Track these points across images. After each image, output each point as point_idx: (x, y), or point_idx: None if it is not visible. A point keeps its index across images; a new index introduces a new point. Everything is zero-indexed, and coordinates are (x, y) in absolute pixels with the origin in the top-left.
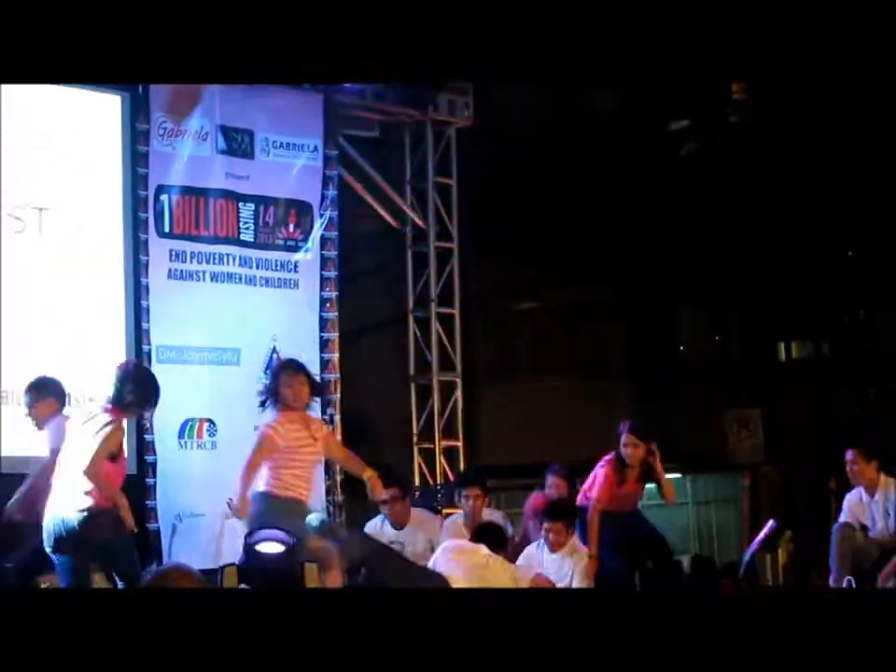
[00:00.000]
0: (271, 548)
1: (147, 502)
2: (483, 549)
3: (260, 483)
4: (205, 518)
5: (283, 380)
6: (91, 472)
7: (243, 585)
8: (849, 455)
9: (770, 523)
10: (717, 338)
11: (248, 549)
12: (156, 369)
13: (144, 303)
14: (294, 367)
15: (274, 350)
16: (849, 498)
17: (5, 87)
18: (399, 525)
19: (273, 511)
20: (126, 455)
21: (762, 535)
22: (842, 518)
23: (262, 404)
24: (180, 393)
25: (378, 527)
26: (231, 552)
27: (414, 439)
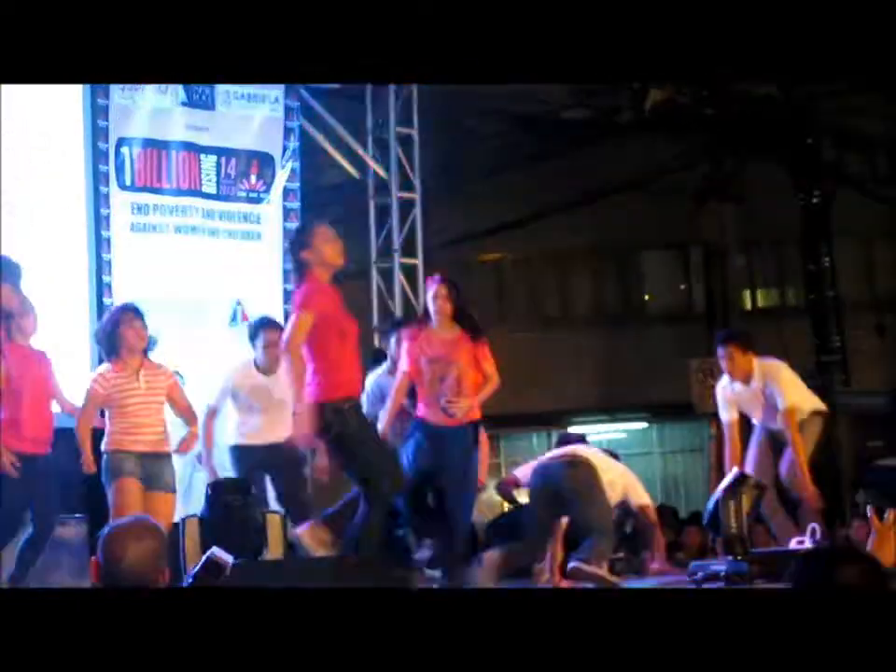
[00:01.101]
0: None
1: None
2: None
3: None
4: None
5: (121, 324)
6: None
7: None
8: (724, 350)
9: (734, 471)
10: (682, 287)
11: (211, 500)
12: None
13: (105, 257)
14: (133, 311)
15: (239, 302)
16: (723, 393)
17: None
18: (269, 371)
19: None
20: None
21: (726, 483)
22: (740, 469)
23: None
24: None
25: (243, 369)
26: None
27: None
